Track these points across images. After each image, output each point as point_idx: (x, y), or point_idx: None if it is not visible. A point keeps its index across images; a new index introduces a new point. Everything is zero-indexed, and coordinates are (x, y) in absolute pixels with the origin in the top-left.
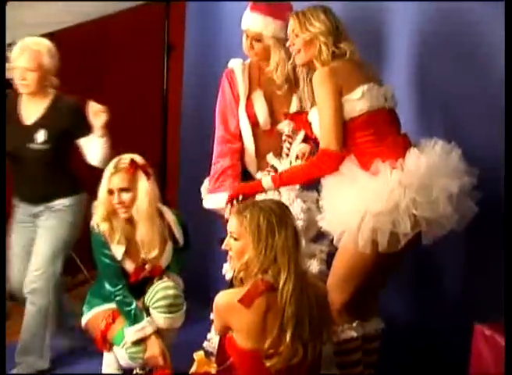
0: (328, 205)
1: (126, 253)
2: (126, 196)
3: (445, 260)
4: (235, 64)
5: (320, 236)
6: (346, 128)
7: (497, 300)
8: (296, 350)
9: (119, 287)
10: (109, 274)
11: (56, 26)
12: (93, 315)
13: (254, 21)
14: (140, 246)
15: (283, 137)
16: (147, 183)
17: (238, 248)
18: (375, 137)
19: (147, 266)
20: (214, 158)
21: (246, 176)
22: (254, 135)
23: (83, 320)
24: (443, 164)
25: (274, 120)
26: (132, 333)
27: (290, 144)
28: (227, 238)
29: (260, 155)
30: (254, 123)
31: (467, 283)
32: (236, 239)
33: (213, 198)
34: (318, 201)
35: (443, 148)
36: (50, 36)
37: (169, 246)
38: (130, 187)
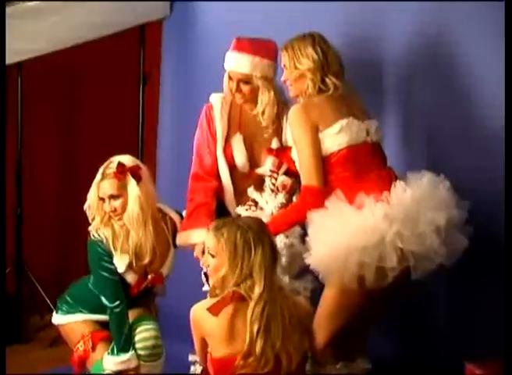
0: (314, 240)
1: (129, 263)
2: (116, 203)
3: (433, 296)
4: (215, 100)
5: (303, 272)
6: (327, 163)
7: (488, 337)
8: (267, 360)
9: (118, 303)
10: (108, 289)
11: (23, 56)
12: (70, 323)
13: (241, 62)
14: (131, 254)
15: (267, 172)
16: (137, 187)
17: (215, 264)
18: (358, 171)
19: (149, 276)
20: (188, 194)
21: (225, 214)
22: (233, 175)
23: (56, 319)
24: (430, 196)
25: (253, 164)
26: (115, 363)
27: (276, 179)
28: (205, 255)
29: (239, 194)
30: (232, 166)
31: (457, 321)
32: (213, 256)
33: (185, 235)
34: (301, 236)
35: (431, 181)
36: (17, 66)
37: (172, 252)
38: (120, 194)
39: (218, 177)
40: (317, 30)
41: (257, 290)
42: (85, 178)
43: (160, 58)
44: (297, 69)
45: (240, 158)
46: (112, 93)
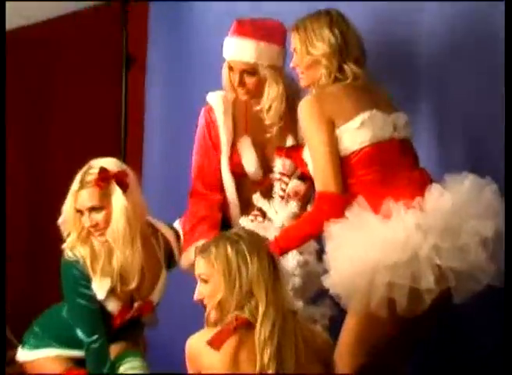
0: (333, 258)
1: (112, 289)
2: (98, 216)
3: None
4: (215, 100)
5: (321, 296)
6: (346, 165)
7: None
8: None
9: (96, 337)
10: (84, 320)
11: None
12: (38, 359)
13: (244, 49)
14: (115, 277)
15: (276, 175)
16: (123, 197)
17: (210, 290)
18: (384, 173)
19: (135, 304)
20: (188, 214)
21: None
22: (240, 187)
23: (22, 355)
24: (474, 202)
25: (267, 169)
26: None
27: (286, 184)
28: (197, 286)
29: (247, 207)
30: (241, 174)
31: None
32: (206, 281)
33: (189, 255)
34: (317, 252)
35: (474, 183)
36: None
37: (164, 275)
38: (102, 205)
39: (222, 190)
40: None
41: (261, 308)
42: (59, 185)
43: (146, 40)
44: (310, 54)
45: (251, 164)
46: (90, 80)
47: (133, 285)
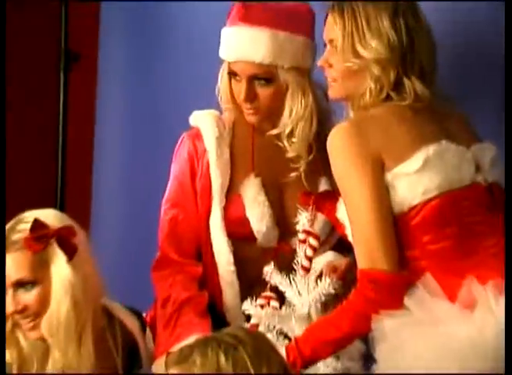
0: (388, 368)
1: None
2: (28, 296)
3: None
4: (204, 123)
5: None
6: (404, 227)
7: None
8: None
9: None
10: None
11: None
12: None
13: (255, 45)
14: None
15: (300, 236)
16: (68, 267)
17: None
18: (462, 238)
19: None
20: (157, 294)
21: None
22: (241, 256)
23: None
24: None
25: (284, 229)
26: None
27: (314, 249)
28: None
29: (249, 287)
30: (244, 236)
31: None
32: None
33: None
34: (363, 356)
35: None
36: None
37: None
38: (36, 278)
39: (201, 258)
40: None
41: None
42: None
43: (97, 33)
44: (357, 55)
45: (261, 219)
46: (15, 88)
47: None
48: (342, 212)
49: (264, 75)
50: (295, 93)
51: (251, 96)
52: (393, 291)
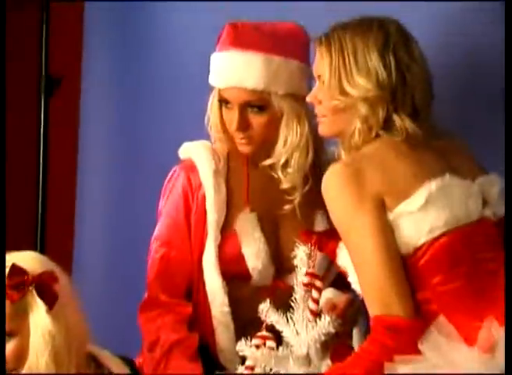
0: None
1: None
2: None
3: None
4: (200, 155)
5: None
6: (412, 269)
7: None
8: None
9: None
10: None
11: None
12: None
13: (248, 70)
14: None
15: (302, 278)
16: (48, 317)
17: None
18: (474, 276)
19: None
20: (150, 339)
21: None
22: (235, 296)
23: None
24: None
25: (279, 266)
26: None
27: (319, 291)
28: None
29: (243, 327)
30: (238, 275)
31: None
32: None
33: None
34: None
35: None
36: None
37: None
38: (13, 329)
39: (191, 296)
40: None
41: None
42: None
43: (80, 54)
44: (344, 93)
45: (257, 256)
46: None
47: None
48: (343, 259)
49: (258, 102)
50: (290, 121)
51: (244, 125)
52: (412, 338)
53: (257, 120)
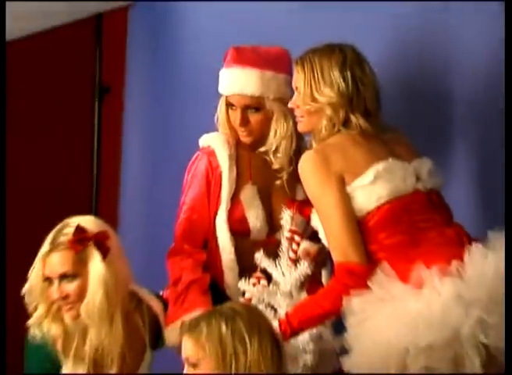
0: (355, 337)
1: None
2: (70, 286)
3: None
4: (218, 143)
5: None
6: (364, 228)
7: None
8: None
9: None
10: None
11: None
12: None
13: (246, 81)
14: (89, 363)
15: (286, 234)
16: (102, 264)
17: None
18: (411, 233)
19: None
20: (170, 275)
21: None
22: (239, 247)
23: None
24: None
25: (271, 226)
26: None
27: (298, 244)
28: (185, 369)
29: (246, 272)
30: (242, 232)
31: None
32: (195, 365)
33: (178, 329)
34: (333, 324)
35: None
36: None
37: (149, 357)
38: (76, 272)
39: (209, 245)
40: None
41: None
42: (17, 246)
43: (124, 67)
44: (315, 100)
45: (257, 218)
46: (55, 115)
47: (111, 373)
48: (315, 221)
49: (255, 105)
50: (279, 118)
51: (245, 122)
52: (362, 279)
53: (254, 118)
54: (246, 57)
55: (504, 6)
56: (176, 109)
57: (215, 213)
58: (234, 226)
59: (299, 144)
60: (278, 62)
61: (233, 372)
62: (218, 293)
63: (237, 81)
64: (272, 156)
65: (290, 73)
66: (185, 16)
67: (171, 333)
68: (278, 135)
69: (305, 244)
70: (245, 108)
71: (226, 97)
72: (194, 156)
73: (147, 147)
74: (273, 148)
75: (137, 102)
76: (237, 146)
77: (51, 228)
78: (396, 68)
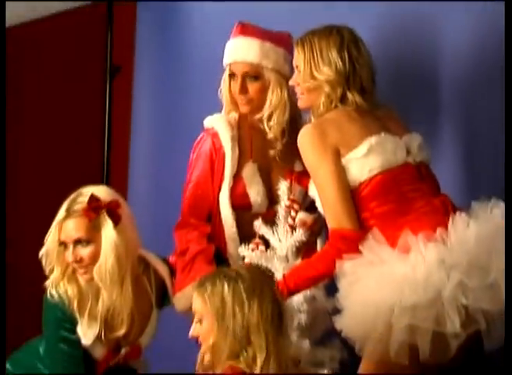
0: (346, 297)
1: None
2: (84, 250)
3: None
4: (221, 125)
5: (330, 335)
6: (357, 197)
7: None
8: None
9: None
10: (65, 366)
11: None
12: None
13: (247, 48)
14: (100, 322)
15: (286, 202)
16: (114, 231)
17: (203, 331)
18: (400, 202)
19: (122, 350)
20: (177, 247)
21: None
22: (240, 220)
23: None
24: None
25: (271, 199)
26: None
27: (296, 212)
28: (194, 323)
29: (243, 239)
30: (244, 206)
31: None
32: (200, 321)
33: (186, 295)
34: (325, 287)
35: (504, 212)
36: None
37: (155, 316)
38: (90, 238)
39: (209, 219)
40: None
41: (259, 359)
42: (34, 212)
43: (133, 46)
44: (314, 78)
45: (257, 193)
46: (67, 93)
47: (121, 331)
48: (313, 191)
49: (254, 73)
50: (274, 88)
51: (244, 90)
52: (355, 244)
53: (253, 87)
54: (249, 29)
55: (504, 6)
56: (184, 88)
57: (219, 190)
58: (237, 201)
59: (296, 119)
60: (279, 38)
61: (229, 331)
62: (222, 262)
63: (239, 50)
64: (265, 124)
65: (291, 52)
66: (195, 8)
67: (179, 300)
68: (272, 103)
69: (302, 215)
70: (244, 76)
71: (229, 66)
72: (199, 137)
73: (156, 123)
74: (266, 115)
75: (146, 81)
76: (240, 127)
77: (66, 198)
78: (388, 49)
